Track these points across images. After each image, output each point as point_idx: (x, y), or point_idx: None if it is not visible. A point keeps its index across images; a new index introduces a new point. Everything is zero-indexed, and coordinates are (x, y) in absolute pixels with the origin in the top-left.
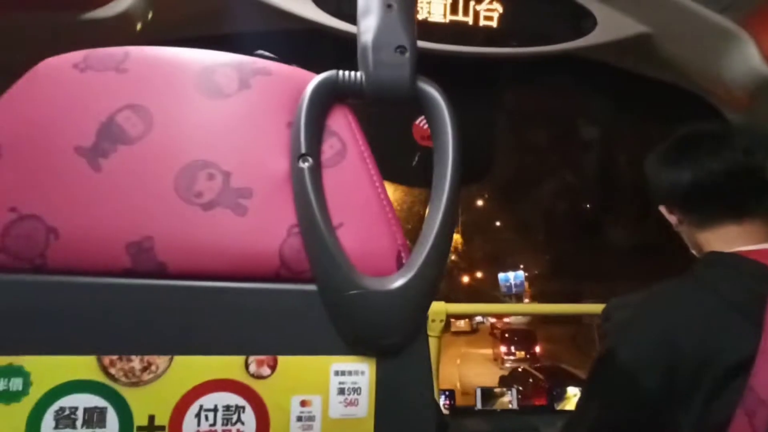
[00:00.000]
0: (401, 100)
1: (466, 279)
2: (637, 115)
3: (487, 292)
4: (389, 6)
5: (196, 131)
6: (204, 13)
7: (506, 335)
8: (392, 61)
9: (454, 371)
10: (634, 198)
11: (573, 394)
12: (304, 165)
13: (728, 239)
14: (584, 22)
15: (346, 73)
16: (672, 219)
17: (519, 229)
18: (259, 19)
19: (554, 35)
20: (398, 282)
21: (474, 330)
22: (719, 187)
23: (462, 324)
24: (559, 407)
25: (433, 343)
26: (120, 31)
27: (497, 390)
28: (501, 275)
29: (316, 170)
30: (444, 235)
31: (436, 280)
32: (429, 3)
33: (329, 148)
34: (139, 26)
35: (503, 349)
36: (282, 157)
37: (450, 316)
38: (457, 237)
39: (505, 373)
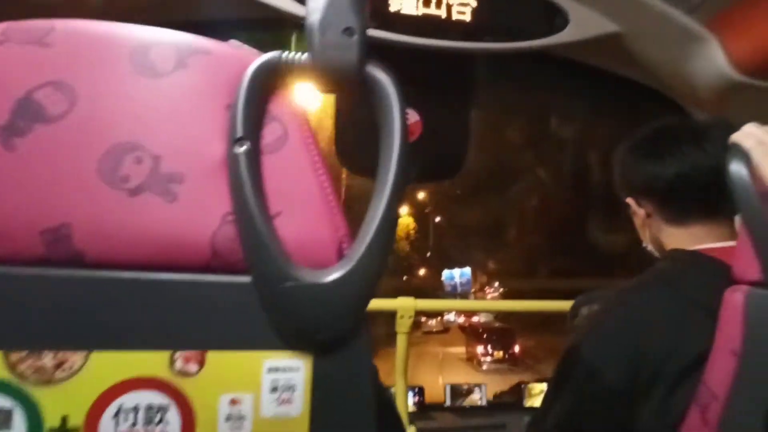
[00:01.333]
0: (348, 84)
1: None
2: (607, 113)
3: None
4: None
5: (124, 112)
6: None
7: (483, 334)
8: (339, 43)
9: (435, 375)
10: (605, 195)
11: (540, 390)
12: (241, 149)
13: (697, 237)
14: (557, 19)
15: (291, 54)
16: (640, 212)
17: (489, 226)
18: (231, 7)
19: (527, 32)
20: (336, 274)
21: (445, 329)
22: (702, 183)
23: (433, 323)
24: (527, 404)
25: (401, 339)
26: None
27: (466, 387)
28: (446, 272)
29: (254, 156)
30: (387, 227)
31: (378, 273)
32: None
33: (270, 133)
34: (94, 10)
35: (480, 349)
36: (219, 142)
37: (419, 312)
38: (409, 221)
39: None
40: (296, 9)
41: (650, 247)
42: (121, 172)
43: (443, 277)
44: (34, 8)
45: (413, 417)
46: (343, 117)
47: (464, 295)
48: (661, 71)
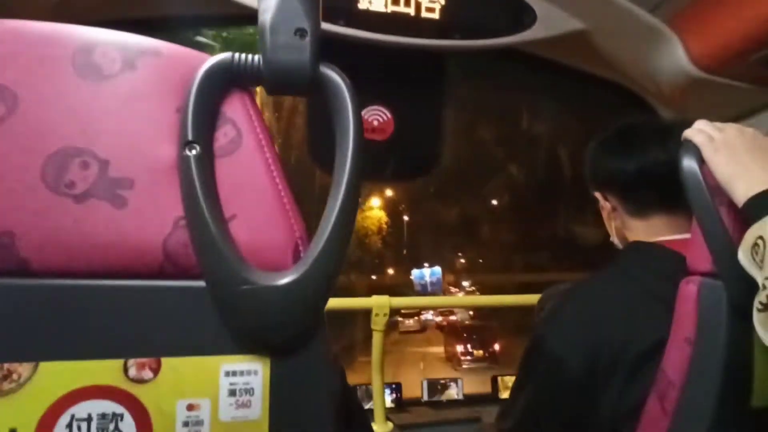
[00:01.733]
0: (301, 86)
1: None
2: (575, 108)
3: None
4: None
5: (68, 115)
6: None
7: (463, 333)
8: (291, 45)
9: (415, 375)
10: (575, 190)
11: None
12: (191, 153)
13: (657, 229)
14: (525, 17)
15: (243, 56)
16: (606, 206)
17: (462, 223)
18: (195, 3)
19: (496, 29)
20: (291, 276)
21: (423, 329)
22: (662, 177)
23: (411, 323)
24: (503, 396)
25: (376, 337)
26: (29, 11)
27: (444, 382)
28: (415, 272)
29: (206, 159)
30: (342, 228)
31: (334, 274)
32: None
33: (223, 135)
34: (51, 6)
35: (460, 348)
36: (169, 145)
37: (393, 310)
38: (381, 215)
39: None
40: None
41: (616, 240)
42: (66, 178)
43: (413, 277)
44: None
45: (390, 413)
46: (315, 116)
47: (435, 295)
48: (626, 68)
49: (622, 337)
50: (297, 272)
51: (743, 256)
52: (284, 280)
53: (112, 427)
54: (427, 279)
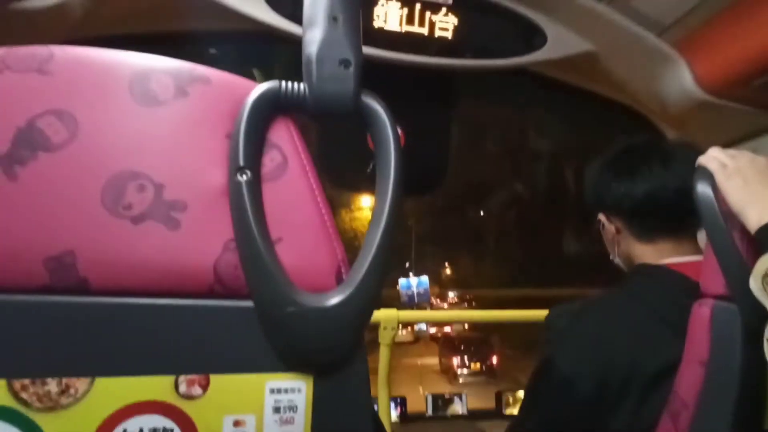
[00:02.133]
0: (344, 114)
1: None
2: (582, 127)
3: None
4: (335, 18)
5: (126, 140)
6: (150, 8)
7: (459, 345)
8: (336, 75)
9: (411, 388)
10: (580, 207)
11: (519, 398)
12: (242, 178)
13: (663, 252)
14: (535, 38)
15: (290, 84)
16: (610, 228)
17: (467, 237)
18: (209, 18)
19: (507, 50)
20: (336, 299)
21: (415, 340)
22: (668, 201)
23: (404, 333)
24: (507, 412)
25: (383, 351)
26: (55, 25)
27: (448, 397)
28: (402, 281)
29: (255, 184)
30: (383, 252)
31: (375, 296)
32: (386, 12)
33: (270, 161)
34: (76, 20)
35: (456, 361)
36: (219, 170)
37: (401, 324)
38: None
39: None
40: (277, 21)
41: (618, 261)
42: (124, 201)
43: (399, 287)
44: (13, 19)
45: (396, 428)
46: (325, 132)
47: (421, 306)
48: (632, 89)
49: (631, 360)
50: (342, 294)
51: (754, 284)
52: (330, 302)
53: None
54: (414, 289)
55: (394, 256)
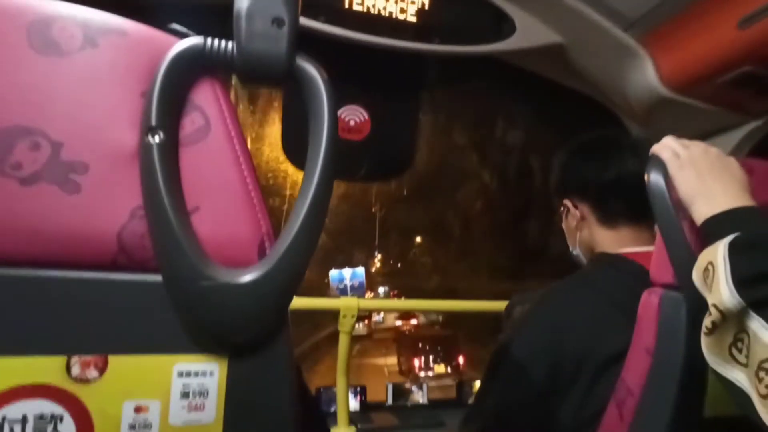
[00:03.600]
0: (275, 77)
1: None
2: (548, 119)
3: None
4: None
5: (20, 92)
6: None
7: (419, 343)
8: (267, 33)
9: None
10: (544, 199)
11: None
12: (154, 140)
13: (624, 240)
14: (504, 27)
15: (216, 41)
16: (575, 213)
17: (433, 227)
18: None
19: (476, 37)
20: (255, 273)
21: (371, 333)
22: (636, 188)
23: (361, 327)
24: (468, 401)
25: (343, 339)
26: None
27: (408, 386)
28: (333, 273)
29: (170, 147)
30: (311, 226)
31: (300, 273)
32: None
33: (190, 123)
34: None
35: (417, 362)
36: (131, 130)
37: (361, 312)
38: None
39: None
40: None
41: (577, 251)
42: (12, 159)
43: (330, 279)
44: None
45: (355, 416)
46: (289, 112)
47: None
48: (599, 82)
49: (585, 346)
50: (261, 269)
51: (696, 277)
52: (247, 277)
53: (50, 429)
54: (348, 282)
55: (361, 244)
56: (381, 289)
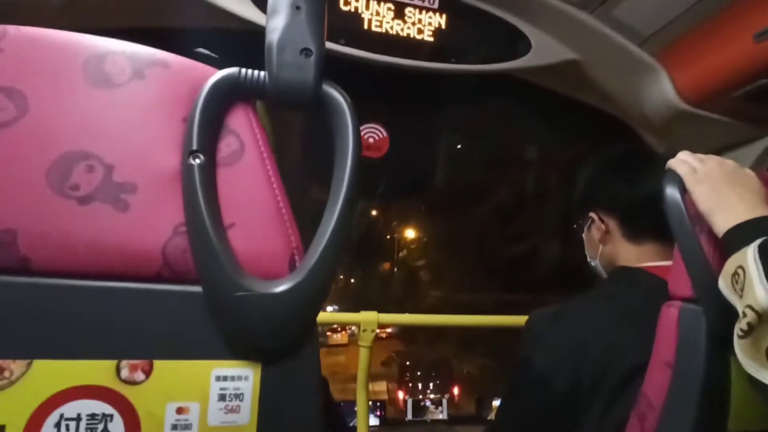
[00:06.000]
0: (304, 103)
1: None
2: (565, 134)
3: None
4: (297, 7)
5: (77, 120)
6: (138, 3)
7: (407, 369)
8: (296, 63)
9: None
10: (561, 213)
11: None
12: (195, 162)
13: (647, 255)
14: (520, 45)
15: (249, 71)
16: (600, 226)
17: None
18: (193, 15)
19: (492, 55)
20: (286, 285)
21: (349, 343)
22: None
23: (338, 337)
24: (489, 417)
25: (363, 353)
26: (38, 15)
27: (428, 401)
28: None
29: (209, 168)
30: (337, 241)
31: (327, 285)
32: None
33: (226, 146)
34: (54, 13)
35: (401, 394)
36: (174, 153)
37: (381, 326)
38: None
39: None
40: (262, 19)
41: (596, 263)
42: (71, 181)
43: None
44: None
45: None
46: (309, 133)
47: None
48: (615, 98)
49: (606, 360)
50: (292, 281)
51: (723, 284)
52: (279, 288)
53: (101, 427)
54: None
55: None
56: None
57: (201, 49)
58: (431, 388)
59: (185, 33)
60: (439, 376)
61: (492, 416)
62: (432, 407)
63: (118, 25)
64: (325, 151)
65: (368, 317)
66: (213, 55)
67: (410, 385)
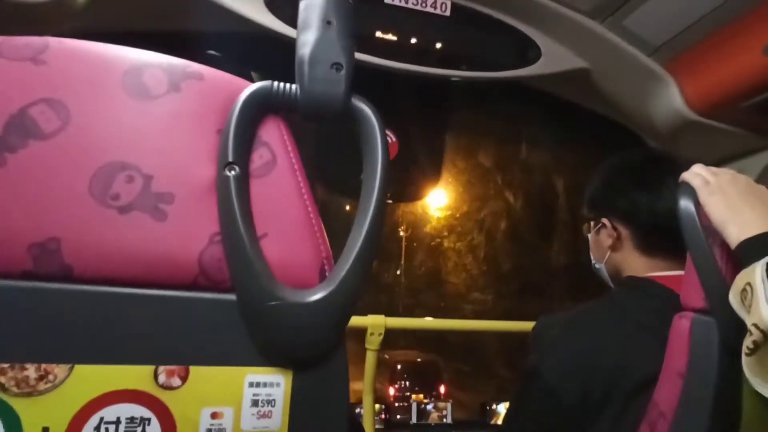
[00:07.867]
0: (334, 116)
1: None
2: (573, 142)
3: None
4: (328, 22)
5: (117, 131)
6: (150, 7)
7: (396, 369)
8: (327, 77)
9: None
10: (569, 220)
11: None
12: (230, 173)
13: (656, 266)
14: (530, 53)
15: (281, 84)
16: (611, 233)
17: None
18: (209, 20)
19: (502, 63)
20: (318, 294)
21: None
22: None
23: None
24: (492, 422)
25: (370, 356)
26: (54, 18)
27: (431, 405)
28: None
29: (243, 179)
30: (367, 251)
31: (357, 294)
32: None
33: (258, 158)
34: (75, 13)
35: (392, 391)
36: (209, 164)
37: (389, 330)
38: None
39: None
40: (276, 25)
41: (600, 266)
42: (112, 190)
43: None
44: (17, 14)
45: None
46: (327, 141)
47: None
48: (624, 107)
49: (615, 370)
50: (324, 290)
51: (733, 299)
52: (312, 298)
53: (139, 430)
54: None
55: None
56: None
57: (212, 52)
58: (419, 386)
59: (200, 36)
60: (425, 376)
61: (495, 421)
62: (436, 412)
63: (134, 28)
64: (329, 153)
65: (376, 321)
66: (221, 56)
67: (397, 384)
